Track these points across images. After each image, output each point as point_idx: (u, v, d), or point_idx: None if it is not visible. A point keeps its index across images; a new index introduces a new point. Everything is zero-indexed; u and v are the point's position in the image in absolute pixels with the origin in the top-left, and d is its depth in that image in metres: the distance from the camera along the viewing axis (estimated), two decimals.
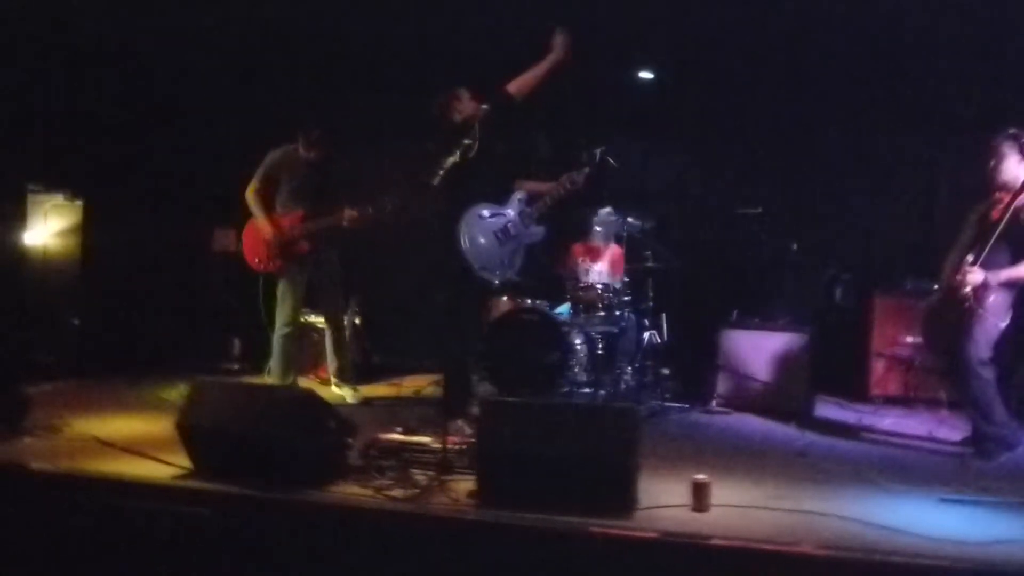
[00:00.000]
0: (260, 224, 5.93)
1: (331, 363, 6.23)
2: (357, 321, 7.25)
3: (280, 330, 5.92)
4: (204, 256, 8.09)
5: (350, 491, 3.80)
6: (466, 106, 4.87)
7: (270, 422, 3.83)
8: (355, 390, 6.23)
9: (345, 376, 6.24)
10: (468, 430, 4.45)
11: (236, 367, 7.39)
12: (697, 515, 3.61)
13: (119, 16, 6.69)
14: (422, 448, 4.17)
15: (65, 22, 6.69)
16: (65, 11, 6.56)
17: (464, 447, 4.13)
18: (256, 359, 7.15)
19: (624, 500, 3.55)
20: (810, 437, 5.34)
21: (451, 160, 4.40)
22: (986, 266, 4.59)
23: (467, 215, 4.48)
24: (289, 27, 6.95)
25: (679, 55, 6.96)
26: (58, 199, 7.70)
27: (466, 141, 4.51)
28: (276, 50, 7.34)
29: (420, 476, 3.95)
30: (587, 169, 5.36)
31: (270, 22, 6.87)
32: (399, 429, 4.39)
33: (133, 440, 4.62)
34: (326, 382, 6.47)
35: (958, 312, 4.62)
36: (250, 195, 5.97)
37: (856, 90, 6.99)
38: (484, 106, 4.78)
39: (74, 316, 7.62)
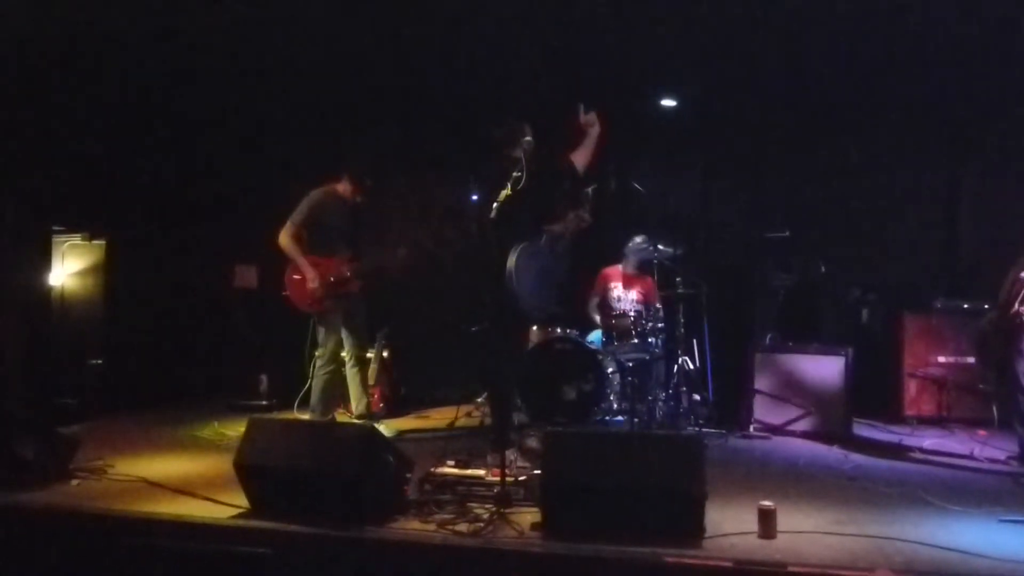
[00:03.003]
0: (304, 268, 5.82)
1: (359, 400, 6.14)
2: (385, 354, 7.24)
3: (325, 367, 5.88)
4: (225, 293, 8.09)
5: (412, 526, 3.77)
6: (530, 143, 4.89)
7: (330, 459, 3.81)
8: (383, 424, 6.19)
9: (371, 412, 6.21)
10: (520, 461, 4.42)
11: (264, 403, 7.34)
12: (765, 542, 3.58)
13: (138, 52, 6.73)
14: (478, 481, 4.14)
15: (87, 60, 6.73)
16: (87, 50, 6.60)
17: (521, 479, 4.09)
18: (284, 395, 7.13)
19: (692, 529, 3.53)
20: (855, 459, 5.33)
21: (504, 193, 4.42)
22: None
23: (518, 249, 4.49)
24: (306, 66, 7.01)
25: (703, 81, 7.01)
26: (75, 239, 7.69)
27: (515, 174, 4.53)
28: (295, 87, 7.40)
29: (480, 509, 3.91)
30: (590, 191, 5.36)
31: (289, 60, 6.92)
32: (451, 463, 4.36)
33: (179, 480, 4.60)
34: (365, 416, 6.40)
35: (1009, 331, 4.64)
36: (288, 240, 5.85)
37: (878, 111, 7.05)
38: (528, 138, 4.80)
39: (96, 357, 7.57)
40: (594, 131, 4.88)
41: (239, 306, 8.13)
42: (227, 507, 4.02)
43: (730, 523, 3.78)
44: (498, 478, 4.04)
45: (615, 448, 3.70)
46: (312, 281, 5.78)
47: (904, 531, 3.73)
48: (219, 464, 4.88)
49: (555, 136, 5.03)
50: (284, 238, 5.87)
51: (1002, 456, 5.22)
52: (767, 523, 3.62)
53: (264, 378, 7.59)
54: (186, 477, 4.69)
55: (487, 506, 3.94)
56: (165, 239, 7.94)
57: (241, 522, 3.84)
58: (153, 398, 7.30)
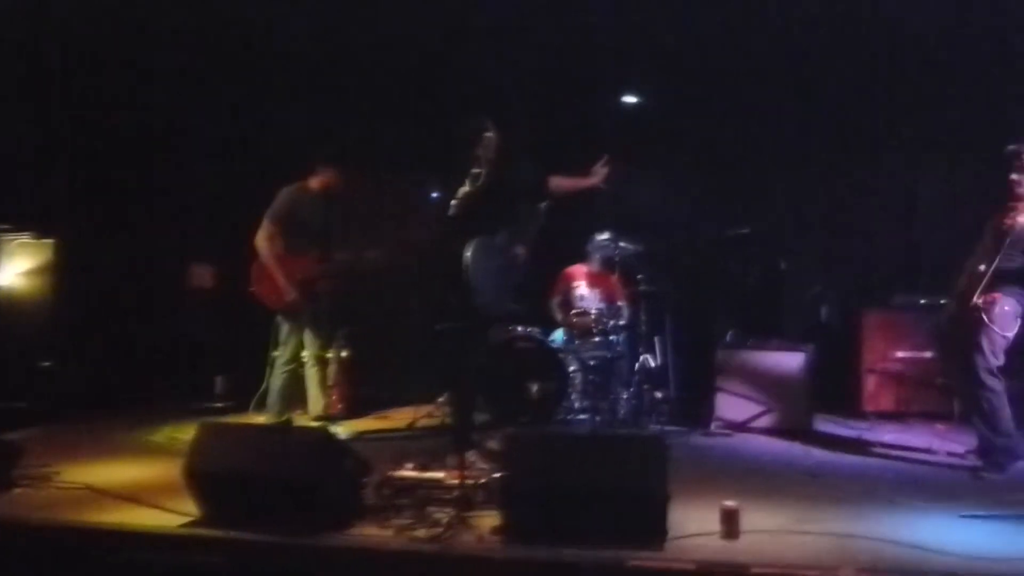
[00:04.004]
0: (275, 273, 5.66)
1: (317, 400, 6.02)
2: (344, 354, 7.10)
3: (284, 367, 5.77)
4: (180, 293, 7.90)
5: (369, 532, 3.67)
6: (487, 139, 4.82)
7: (285, 464, 3.69)
8: (343, 426, 6.08)
9: (329, 414, 6.09)
10: (481, 463, 4.34)
11: (220, 405, 7.17)
12: (729, 543, 3.54)
13: (89, 49, 6.55)
14: (438, 484, 4.05)
15: (36, 54, 6.53)
16: (35, 42, 6.40)
17: (482, 481, 4.01)
18: (240, 397, 6.97)
19: (655, 531, 3.47)
20: (816, 456, 5.34)
21: (464, 190, 4.33)
22: (998, 274, 4.62)
23: (475, 245, 4.41)
24: (267, 63, 6.89)
25: (665, 78, 7.00)
26: (24, 238, 7.44)
27: (475, 170, 4.45)
28: (255, 85, 7.26)
29: (439, 514, 3.82)
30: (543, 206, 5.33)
31: (250, 58, 6.79)
32: (410, 465, 4.26)
33: (130, 487, 4.43)
34: (323, 417, 6.28)
35: (968, 323, 4.65)
36: (264, 240, 5.67)
37: (838, 111, 7.08)
38: (489, 134, 4.73)
39: (44, 359, 7.34)
40: (593, 180, 4.95)
41: (194, 306, 7.95)
42: (177, 515, 3.88)
43: (693, 523, 3.73)
44: (458, 481, 3.96)
45: (576, 449, 3.64)
46: (287, 288, 5.64)
47: (867, 528, 3.72)
48: (171, 470, 4.69)
49: (519, 136, 5.00)
50: (260, 239, 5.71)
51: (961, 450, 5.24)
52: (730, 523, 3.59)
53: (220, 380, 7.42)
54: (136, 484, 4.52)
55: (447, 510, 3.85)
56: (117, 238, 7.71)
57: (191, 531, 3.70)
58: (105, 401, 7.08)
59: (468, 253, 4.38)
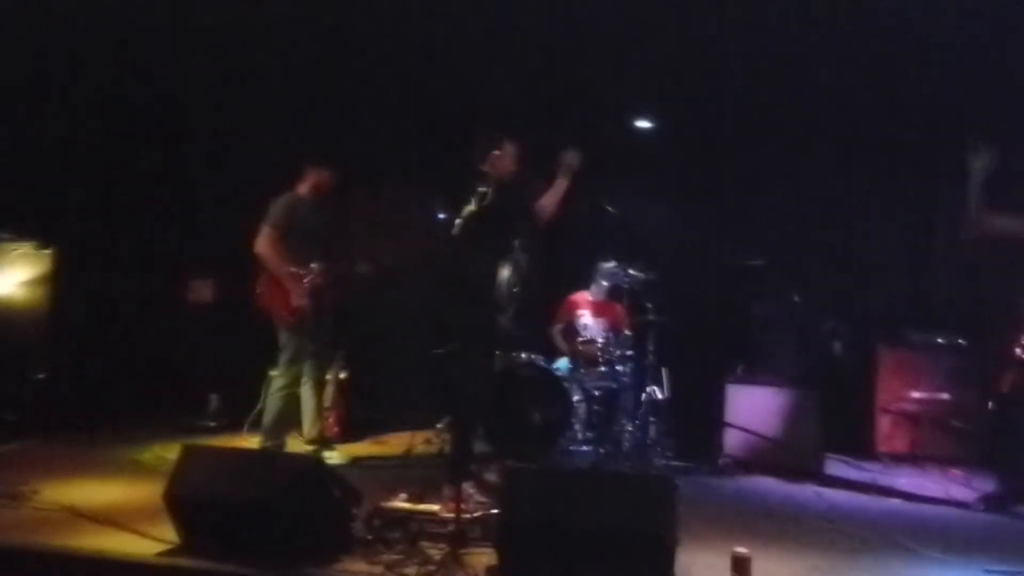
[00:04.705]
0: (287, 280, 5.44)
1: (313, 424, 5.80)
2: (341, 376, 6.92)
3: (283, 388, 5.52)
4: (180, 307, 7.74)
5: (357, 568, 3.46)
6: (507, 160, 4.68)
7: (269, 491, 3.49)
8: (335, 450, 5.89)
9: (324, 438, 5.89)
10: (478, 496, 4.14)
11: (213, 424, 6.99)
12: None
13: (89, 56, 6.45)
14: (432, 517, 3.85)
15: (36, 63, 6.43)
16: (35, 52, 6.30)
17: (478, 516, 3.81)
18: (235, 416, 6.79)
19: None
20: (828, 498, 5.13)
21: (469, 209, 4.17)
22: None
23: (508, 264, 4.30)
24: (269, 76, 6.78)
25: (678, 104, 6.86)
26: (25, 247, 7.31)
27: (480, 189, 4.29)
28: (257, 97, 7.15)
29: (432, 550, 3.62)
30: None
31: (253, 69, 6.68)
32: (403, 496, 4.06)
33: (110, 510, 4.23)
34: (318, 440, 6.08)
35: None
36: (268, 248, 5.43)
37: (853, 139, 6.93)
38: (498, 152, 4.58)
39: (39, 370, 7.18)
40: (562, 181, 4.82)
41: (193, 321, 7.79)
42: (156, 542, 3.68)
43: (701, 569, 3.54)
44: (453, 515, 3.76)
45: (580, 487, 3.43)
46: (297, 294, 5.43)
47: None
48: (155, 492, 4.48)
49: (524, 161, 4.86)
50: (264, 246, 5.44)
51: (974, 496, 5.02)
52: (742, 571, 3.37)
53: (215, 397, 7.24)
54: (117, 506, 4.33)
55: (440, 546, 3.65)
56: (117, 250, 7.58)
57: (169, 560, 3.51)
58: (98, 415, 6.89)
59: (505, 273, 4.24)
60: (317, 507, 3.54)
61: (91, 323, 7.39)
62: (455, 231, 4.15)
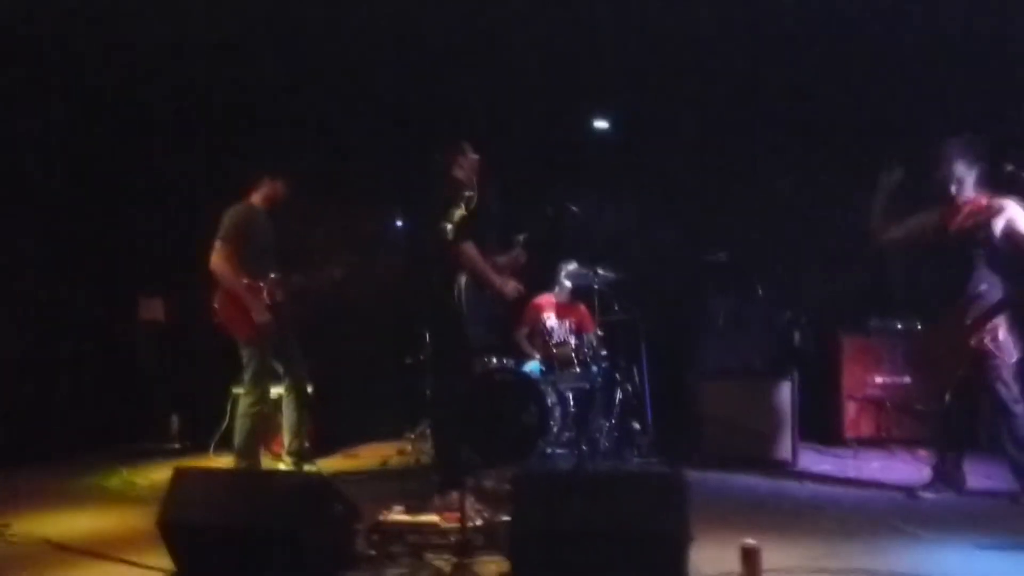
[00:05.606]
0: (244, 295, 5.26)
1: (295, 437, 5.66)
2: (309, 389, 6.77)
3: (253, 406, 5.32)
4: (129, 326, 7.48)
5: None
6: (469, 160, 4.63)
7: (269, 512, 3.37)
8: (314, 465, 5.75)
9: (304, 452, 5.74)
10: (475, 504, 4.08)
11: (177, 446, 6.79)
12: None
13: (34, 69, 6.22)
14: (432, 528, 3.78)
15: None
16: None
17: (480, 524, 3.76)
18: (198, 437, 6.59)
19: (676, 575, 3.24)
20: (811, 487, 5.20)
21: (459, 213, 4.11)
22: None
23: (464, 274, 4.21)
24: (223, 85, 6.63)
25: (635, 103, 6.91)
26: None
27: (467, 193, 4.24)
28: (209, 107, 6.98)
29: (438, 561, 3.55)
30: (522, 239, 5.17)
31: (207, 80, 6.53)
32: (400, 508, 3.98)
33: (89, 539, 4.08)
34: (278, 457, 5.93)
35: (968, 357, 4.53)
36: (223, 262, 5.23)
37: (809, 131, 7.05)
38: (473, 156, 4.55)
39: None
40: (504, 287, 4.76)
41: (145, 341, 7.53)
42: (149, 571, 3.54)
43: (708, 564, 3.53)
44: (453, 524, 3.71)
45: (589, 490, 3.39)
46: (257, 310, 5.26)
47: (888, 563, 3.56)
48: (132, 518, 4.40)
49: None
50: (219, 261, 5.24)
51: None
52: (752, 563, 3.36)
53: (175, 418, 7.04)
54: (96, 535, 4.17)
55: (445, 557, 3.59)
56: (61, 269, 7.26)
57: None
58: (51, 445, 6.58)
59: (463, 281, 4.15)
60: (319, 525, 3.43)
61: (36, 348, 7.03)
62: (448, 236, 4.09)
